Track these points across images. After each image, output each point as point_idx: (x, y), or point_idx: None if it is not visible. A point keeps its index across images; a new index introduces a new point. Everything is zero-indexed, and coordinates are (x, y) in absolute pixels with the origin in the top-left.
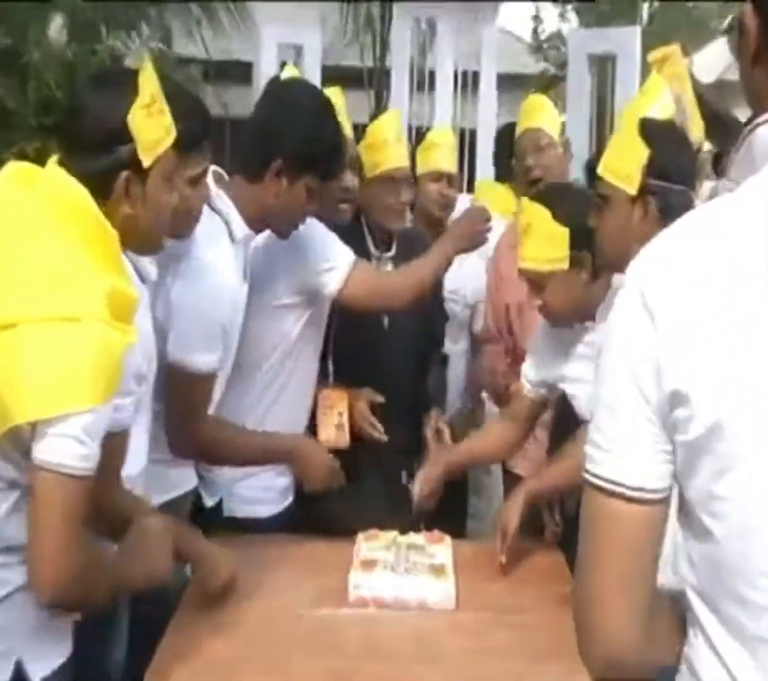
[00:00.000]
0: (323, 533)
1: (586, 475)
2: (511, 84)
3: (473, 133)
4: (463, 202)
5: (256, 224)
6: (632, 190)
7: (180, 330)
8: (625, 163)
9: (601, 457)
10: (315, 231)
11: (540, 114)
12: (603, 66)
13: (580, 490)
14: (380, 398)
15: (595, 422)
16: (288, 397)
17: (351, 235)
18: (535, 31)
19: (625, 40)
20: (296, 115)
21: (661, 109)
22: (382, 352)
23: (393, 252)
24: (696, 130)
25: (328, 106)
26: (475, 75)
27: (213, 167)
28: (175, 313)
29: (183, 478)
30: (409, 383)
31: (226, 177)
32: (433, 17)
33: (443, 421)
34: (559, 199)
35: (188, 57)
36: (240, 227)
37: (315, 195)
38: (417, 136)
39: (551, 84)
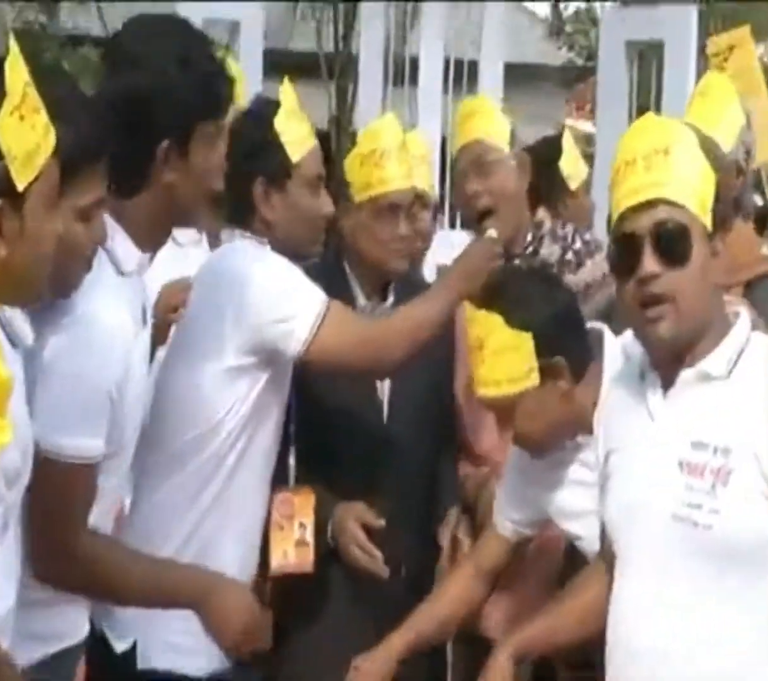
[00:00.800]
0: None
1: None
2: (523, 78)
3: None
4: (455, 237)
5: (154, 234)
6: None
7: (49, 404)
8: (687, 179)
9: None
10: (271, 265)
11: (478, 121)
12: (646, 57)
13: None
14: (379, 521)
15: None
16: (235, 497)
17: (329, 279)
18: (555, 8)
19: (676, 23)
20: (153, 67)
21: (725, 124)
22: (371, 434)
23: (389, 302)
24: (764, 152)
25: (191, 37)
26: (473, 65)
27: None
28: (44, 381)
29: (73, 622)
30: (411, 479)
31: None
32: None
33: (465, 526)
34: (508, 294)
35: (81, 34)
36: (128, 253)
37: (217, 143)
38: None
39: (578, 78)
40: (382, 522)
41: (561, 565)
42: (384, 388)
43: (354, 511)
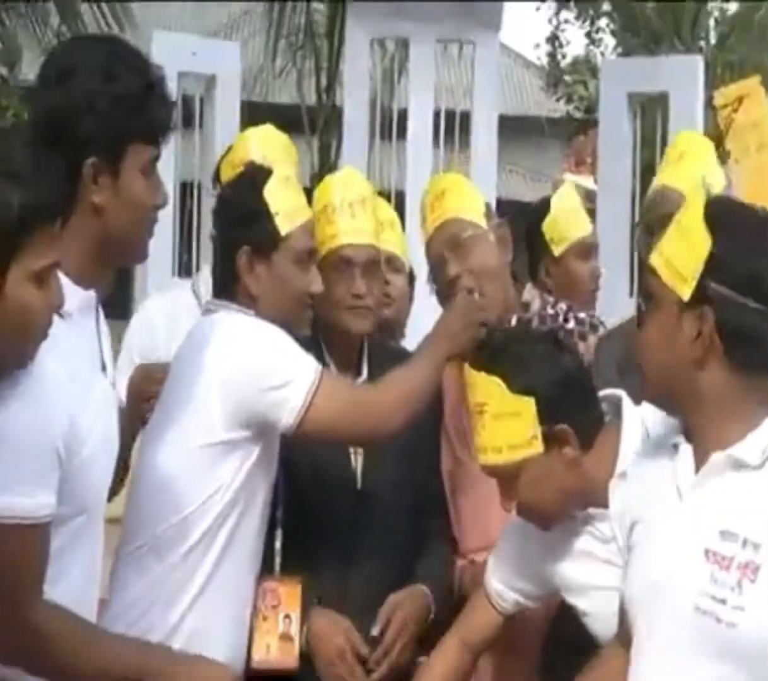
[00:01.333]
0: None
1: None
2: (519, 131)
3: None
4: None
5: (92, 267)
6: (684, 293)
7: None
8: (681, 256)
9: None
10: (258, 332)
11: (450, 200)
12: (650, 108)
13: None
14: (365, 649)
15: None
16: (223, 587)
17: (305, 350)
18: (553, 58)
19: (681, 74)
20: (77, 79)
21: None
22: (345, 507)
23: (364, 375)
24: None
25: (120, 52)
26: (465, 117)
27: None
28: None
29: None
30: (388, 555)
31: None
32: (404, 36)
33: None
34: (510, 357)
35: None
36: (69, 292)
37: (153, 171)
38: None
39: (578, 131)
40: (366, 650)
41: (544, 634)
42: (357, 458)
43: (339, 630)
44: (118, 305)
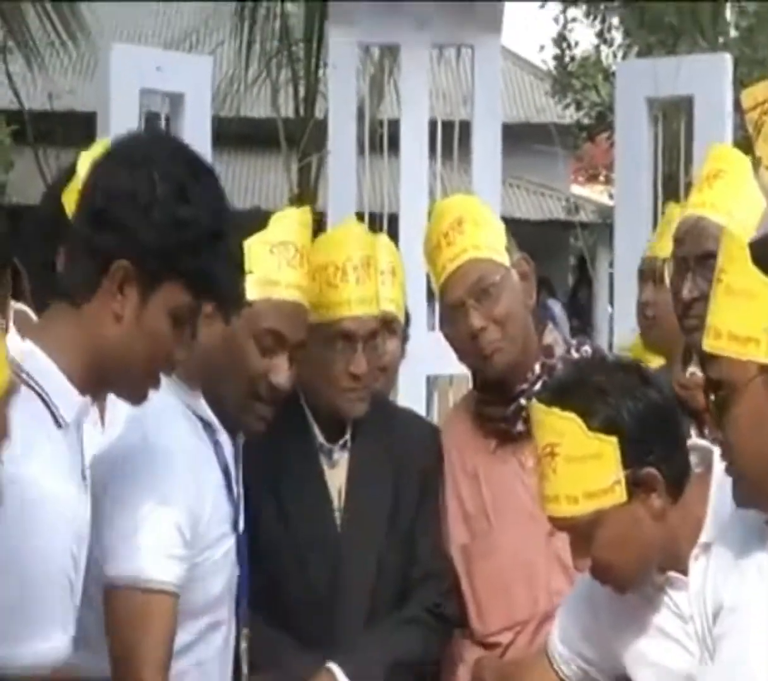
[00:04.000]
0: None
1: None
2: (521, 139)
3: None
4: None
5: (94, 377)
6: (763, 355)
7: None
8: (743, 317)
9: None
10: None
11: (468, 233)
12: (672, 114)
13: None
14: None
15: None
16: None
17: (285, 411)
18: (560, 60)
19: (707, 75)
20: (147, 184)
21: (746, 210)
22: (338, 589)
23: (346, 440)
24: None
25: (203, 171)
26: (465, 127)
27: (16, 306)
28: None
29: None
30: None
31: (33, 317)
32: (393, 43)
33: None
34: (587, 390)
35: None
36: (69, 401)
37: (185, 325)
38: (370, 228)
39: (588, 138)
40: None
41: None
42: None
43: None
44: None
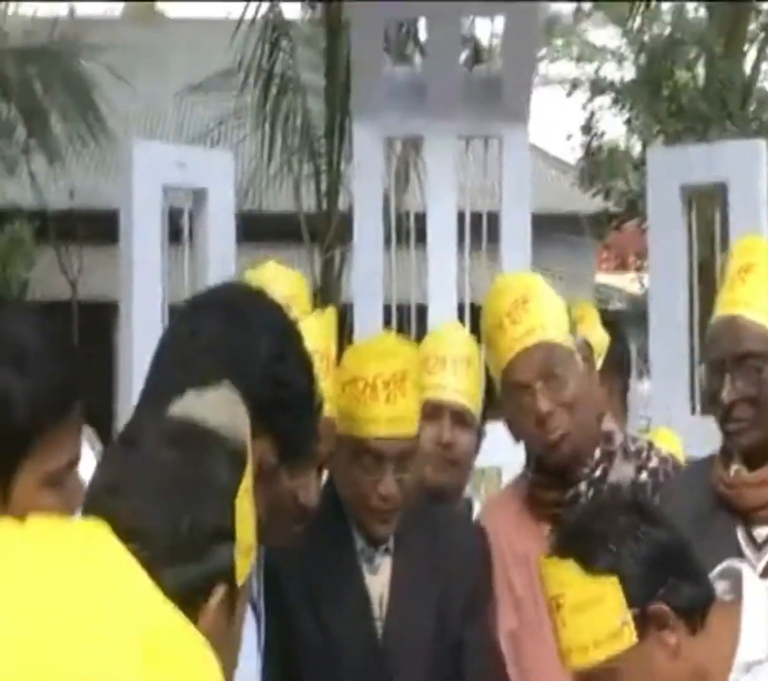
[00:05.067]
0: None
1: None
2: (549, 230)
3: None
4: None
5: None
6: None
7: None
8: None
9: None
10: None
11: (535, 309)
12: (706, 201)
13: None
14: None
15: None
16: None
17: (325, 513)
18: (588, 149)
19: (741, 161)
20: (249, 342)
21: None
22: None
23: (390, 546)
24: None
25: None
26: (492, 218)
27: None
28: None
29: None
30: None
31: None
32: (419, 133)
33: None
34: (586, 535)
35: (10, 208)
36: None
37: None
38: (398, 325)
39: (611, 226)
40: None
41: None
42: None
43: None
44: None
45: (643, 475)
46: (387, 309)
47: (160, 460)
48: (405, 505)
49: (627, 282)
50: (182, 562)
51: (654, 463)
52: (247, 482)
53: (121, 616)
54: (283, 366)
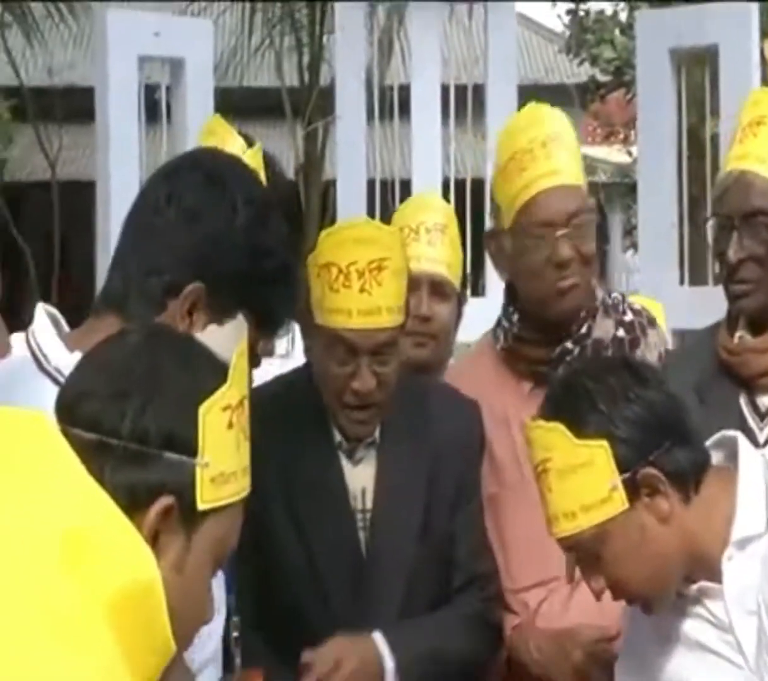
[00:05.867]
0: None
1: None
2: (534, 100)
3: (479, 188)
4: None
5: None
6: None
7: None
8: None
9: None
10: None
11: (556, 150)
12: (698, 65)
13: None
14: None
15: None
16: None
17: (301, 402)
18: (574, 15)
19: (732, 24)
20: (229, 210)
21: None
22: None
23: (375, 439)
24: None
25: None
26: (478, 90)
27: (42, 307)
28: None
29: None
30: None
31: (63, 324)
32: (401, 2)
33: None
34: (574, 397)
35: None
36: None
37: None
38: (381, 200)
39: (594, 97)
40: None
41: None
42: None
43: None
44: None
45: (620, 331)
46: (370, 184)
47: (129, 349)
48: (385, 404)
49: (614, 153)
50: (127, 463)
51: (629, 316)
52: (225, 402)
53: (42, 511)
54: (264, 235)
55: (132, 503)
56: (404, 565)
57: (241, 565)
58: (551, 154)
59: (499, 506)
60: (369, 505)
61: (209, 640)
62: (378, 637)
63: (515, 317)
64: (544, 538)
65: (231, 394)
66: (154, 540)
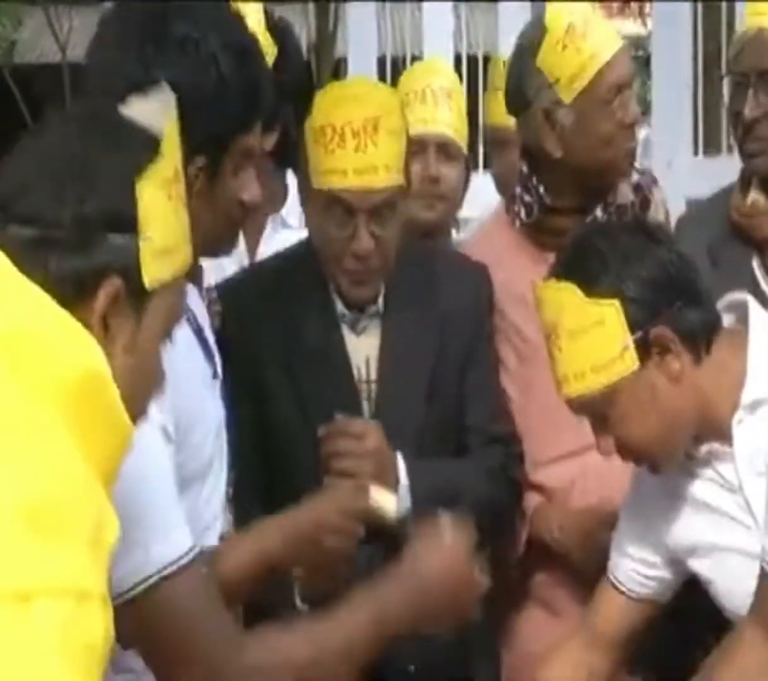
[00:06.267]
0: None
1: None
2: None
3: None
4: (482, 189)
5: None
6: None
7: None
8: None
9: None
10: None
11: (593, 33)
12: None
13: None
14: None
15: None
16: None
17: (301, 274)
18: None
19: None
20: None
21: None
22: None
23: (378, 309)
24: None
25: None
26: None
27: None
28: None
29: None
30: None
31: None
32: None
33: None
34: (586, 257)
35: None
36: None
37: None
38: (393, 77)
39: None
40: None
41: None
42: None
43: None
44: None
45: (631, 195)
46: (381, 61)
47: (57, 139)
48: (385, 268)
49: (628, 25)
50: (70, 252)
51: (635, 177)
52: (161, 175)
53: None
54: (237, 55)
55: (79, 292)
56: (410, 433)
57: (241, 436)
58: (604, 21)
59: (521, 383)
60: (373, 375)
61: (208, 505)
62: (398, 457)
63: (541, 188)
64: (560, 411)
65: (165, 166)
66: (105, 326)
